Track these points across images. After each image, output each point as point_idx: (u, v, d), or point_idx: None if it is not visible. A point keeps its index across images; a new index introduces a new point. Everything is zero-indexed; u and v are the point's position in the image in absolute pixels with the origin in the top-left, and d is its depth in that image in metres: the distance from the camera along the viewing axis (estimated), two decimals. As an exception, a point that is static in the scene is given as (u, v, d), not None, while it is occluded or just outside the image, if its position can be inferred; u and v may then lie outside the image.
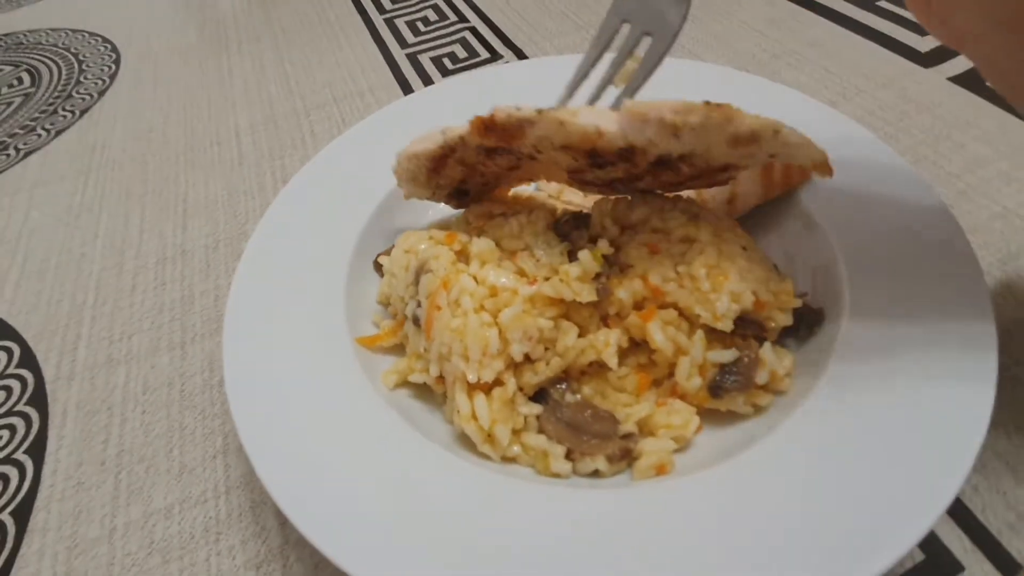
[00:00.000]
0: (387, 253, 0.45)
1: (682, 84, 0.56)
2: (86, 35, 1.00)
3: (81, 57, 0.95)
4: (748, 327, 0.37)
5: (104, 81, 0.88)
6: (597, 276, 0.38)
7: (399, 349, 0.43)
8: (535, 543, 0.30)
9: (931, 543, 0.34)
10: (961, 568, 0.33)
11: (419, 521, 0.31)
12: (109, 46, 0.96)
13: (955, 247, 0.39)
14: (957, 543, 0.34)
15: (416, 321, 0.39)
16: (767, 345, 0.37)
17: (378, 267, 0.46)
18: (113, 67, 0.91)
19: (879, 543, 0.28)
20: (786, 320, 0.38)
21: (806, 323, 0.39)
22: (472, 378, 0.36)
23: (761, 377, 0.36)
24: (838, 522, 0.29)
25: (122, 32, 0.97)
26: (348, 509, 0.32)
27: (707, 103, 0.31)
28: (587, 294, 0.37)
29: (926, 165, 0.55)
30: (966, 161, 0.55)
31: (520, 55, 0.77)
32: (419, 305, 0.39)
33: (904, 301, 0.38)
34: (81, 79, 0.89)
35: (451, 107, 0.58)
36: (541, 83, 0.60)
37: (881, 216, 0.43)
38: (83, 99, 0.85)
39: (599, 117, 0.33)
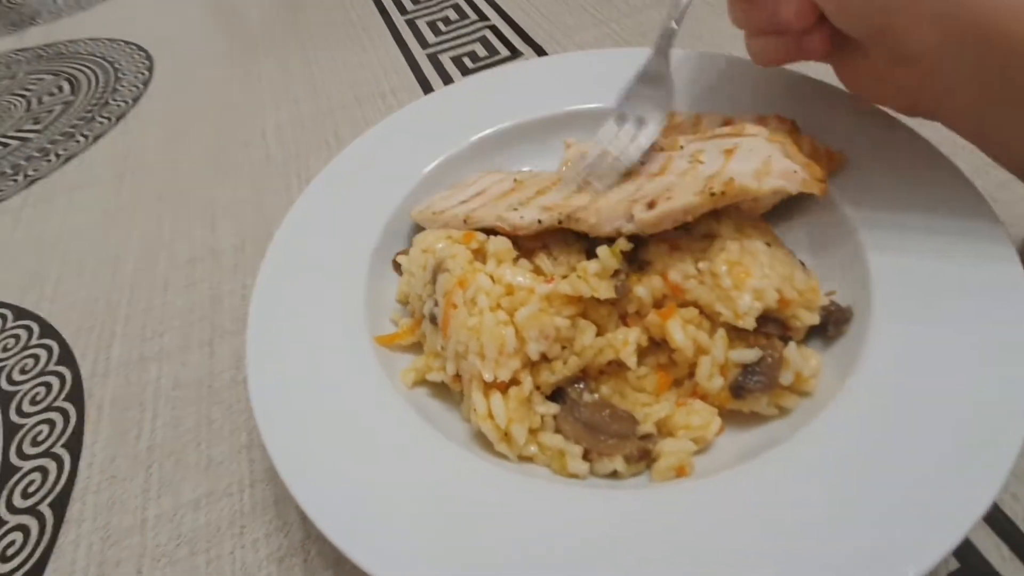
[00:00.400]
0: (405, 252, 0.46)
1: (703, 77, 0.55)
2: (122, 44, 1.03)
3: (117, 65, 0.98)
4: (772, 326, 0.36)
5: (138, 88, 0.91)
6: (616, 273, 0.37)
7: (417, 347, 0.43)
8: (553, 543, 0.30)
9: (967, 552, 0.33)
10: (998, 577, 0.32)
11: (438, 520, 0.32)
12: (143, 54, 0.99)
13: (994, 243, 0.37)
14: (995, 552, 0.32)
15: (433, 320, 0.40)
16: (792, 345, 0.36)
17: (397, 266, 0.47)
18: (147, 74, 0.94)
19: (909, 552, 0.27)
20: (812, 319, 0.37)
21: (834, 322, 0.37)
22: (488, 377, 0.35)
23: (785, 378, 0.35)
24: (865, 529, 0.28)
25: (156, 40, 1.00)
26: (367, 506, 0.32)
27: (712, 194, 0.37)
28: (605, 291, 0.36)
29: (963, 154, 0.52)
30: (1008, 151, 0.52)
31: (540, 52, 0.76)
32: (436, 304, 0.39)
33: (939, 300, 0.36)
34: (117, 87, 0.93)
35: (468, 106, 0.59)
36: (558, 80, 0.60)
37: (914, 208, 0.41)
38: (119, 106, 0.88)
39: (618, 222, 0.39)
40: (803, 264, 0.40)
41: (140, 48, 1.01)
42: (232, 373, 0.49)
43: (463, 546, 0.30)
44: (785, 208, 0.47)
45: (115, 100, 0.89)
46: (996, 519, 0.33)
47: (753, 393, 0.35)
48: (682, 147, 0.44)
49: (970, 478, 0.28)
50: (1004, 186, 0.49)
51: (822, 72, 0.64)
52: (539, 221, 0.40)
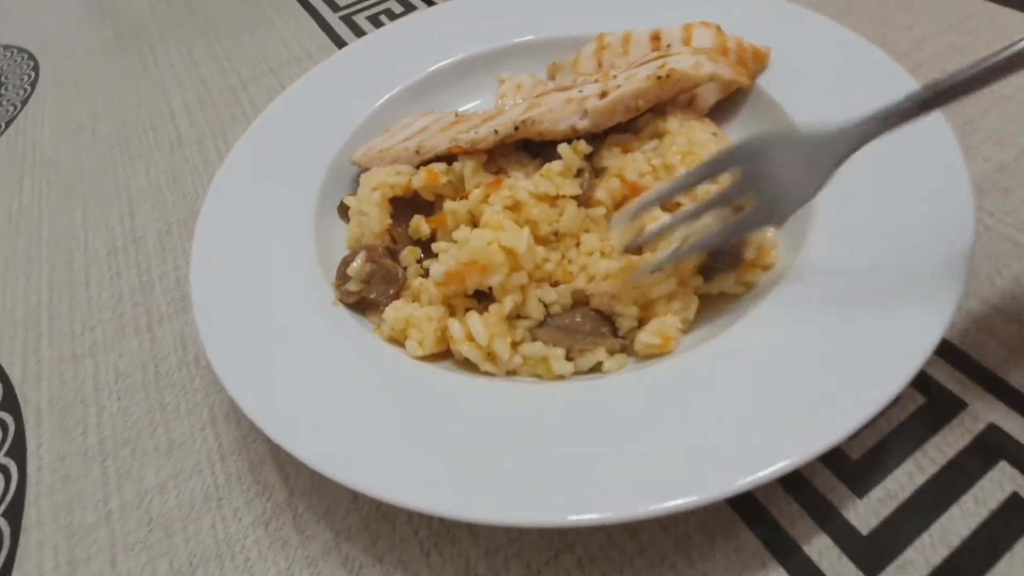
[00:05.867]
0: (352, 195, 0.44)
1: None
2: (1, 49, 0.94)
3: (-2, 71, 0.89)
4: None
5: (25, 90, 0.83)
6: (579, 173, 0.37)
7: (379, 289, 0.41)
8: (542, 446, 0.30)
9: (930, 386, 0.34)
10: (964, 404, 0.34)
11: (423, 435, 0.31)
12: (26, 55, 0.91)
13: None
14: (955, 383, 0.34)
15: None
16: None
17: (344, 211, 0.45)
18: (32, 75, 0.86)
19: (871, 386, 0.28)
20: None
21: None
22: None
23: (749, 253, 0.35)
24: (831, 371, 0.29)
25: (38, 40, 0.92)
26: (352, 434, 0.32)
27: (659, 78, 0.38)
28: (571, 187, 0.36)
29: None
30: (914, 39, 0.55)
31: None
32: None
33: (876, 167, 0.38)
34: (1, 91, 0.84)
35: (392, 53, 0.57)
36: (484, 23, 0.59)
37: (842, 92, 0.43)
38: (7, 110, 0.80)
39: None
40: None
41: (21, 49, 0.92)
42: (179, 355, 0.45)
43: (449, 458, 0.30)
44: (721, 111, 0.48)
45: (1, 106, 0.81)
46: (952, 355, 0.35)
47: (722, 272, 0.35)
48: (614, 76, 0.44)
49: (920, 317, 0.30)
50: (916, 72, 0.52)
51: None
52: (495, 131, 0.39)
